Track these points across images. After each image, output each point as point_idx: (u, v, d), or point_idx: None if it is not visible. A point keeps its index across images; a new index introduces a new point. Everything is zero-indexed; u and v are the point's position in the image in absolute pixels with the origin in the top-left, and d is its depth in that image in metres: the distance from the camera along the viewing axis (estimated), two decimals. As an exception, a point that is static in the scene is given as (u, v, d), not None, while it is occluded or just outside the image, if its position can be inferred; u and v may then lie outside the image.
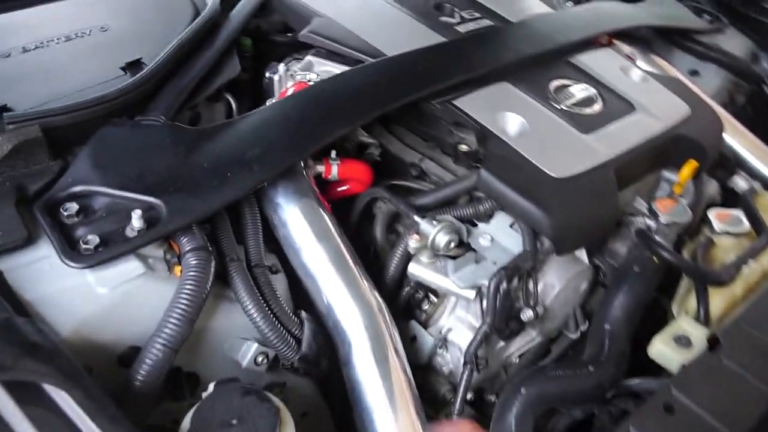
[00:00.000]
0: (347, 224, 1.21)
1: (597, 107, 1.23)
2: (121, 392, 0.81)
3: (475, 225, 1.13)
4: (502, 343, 1.12)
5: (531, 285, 1.08)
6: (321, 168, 1.16)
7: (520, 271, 1.04)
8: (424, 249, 1.06)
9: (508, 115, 1.18)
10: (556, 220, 1.02)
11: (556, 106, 1.21)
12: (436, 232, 1.04)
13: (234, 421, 0.76)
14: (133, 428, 0.70)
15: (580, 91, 1.26)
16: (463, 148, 1.18)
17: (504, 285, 1.01)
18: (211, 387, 0.82)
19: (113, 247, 0.87)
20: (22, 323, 0.73)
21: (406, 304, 1.14)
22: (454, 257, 1.10)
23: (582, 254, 1.16)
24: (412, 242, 1.05)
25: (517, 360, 1.22)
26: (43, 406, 0.67)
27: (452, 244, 1.06)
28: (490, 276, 1.02)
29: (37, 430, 0.64)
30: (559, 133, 1.16)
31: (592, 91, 1.26)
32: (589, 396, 1.07)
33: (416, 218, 1.08)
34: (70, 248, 0.85)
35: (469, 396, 1.08)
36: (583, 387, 1.04)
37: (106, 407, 0.69)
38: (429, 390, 1.17)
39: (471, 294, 1.05)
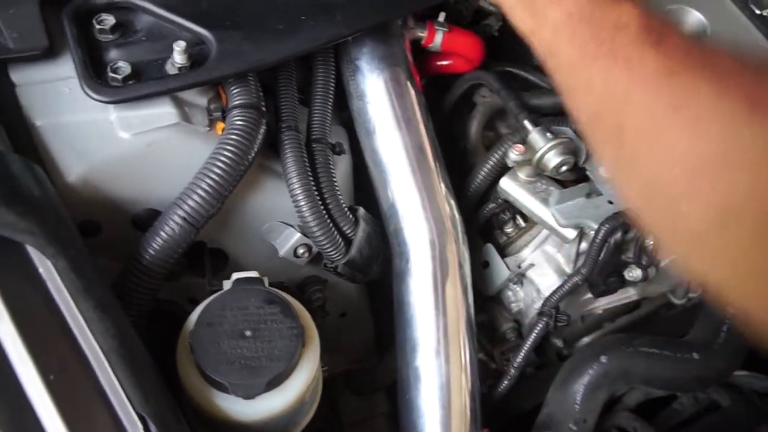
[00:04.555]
0: (439, 108, 0.99)
1: (813, 23, 0.89)
2: (129, 260, 0.68)
3: (598, 147, 0.88)
4: (589, 295, 0.92)
5: (649, 240, 0.85)
6: (422, 33, 0.92)
7: (643, 221, 0.80)
8: (527, 164, 0.84)
9: (685, 9, 0.87)
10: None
11: (756, 10, 0.88)
12: (547, 148, 0.81)
13: (248, 333, 0.63)
14: (122, 317, 0.57)
15: (793, -5, 0.91)
16: (611, 42, 0.89)
17: (618, 236, 0.78)
18: (231, 280, 0.67)
19: (147, 83, 0.70)
20: (11, 161, 0.58)
21: (485, 221, 0.94)
22: (561, 182, 0.87)
23: (725, 214, 0.90)
24: (514, 153, 0.83)
25: (601, 312, 1.02)
26: (19, 272, 0.54)
27: (564, 168, 0.83)
28: (600, 219, 0.80)
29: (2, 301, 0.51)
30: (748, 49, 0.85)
31: (811, -2, 0.91)
32: (684, 387, 0.87)
33: (527, 123, 0.84)
34: (95, 74, 0.68)
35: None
36: (679, 375, 0.85)
37: (94, 287, 0.55)
38: (489, 321, 1.01)
39: (571, 234, 0.83)
